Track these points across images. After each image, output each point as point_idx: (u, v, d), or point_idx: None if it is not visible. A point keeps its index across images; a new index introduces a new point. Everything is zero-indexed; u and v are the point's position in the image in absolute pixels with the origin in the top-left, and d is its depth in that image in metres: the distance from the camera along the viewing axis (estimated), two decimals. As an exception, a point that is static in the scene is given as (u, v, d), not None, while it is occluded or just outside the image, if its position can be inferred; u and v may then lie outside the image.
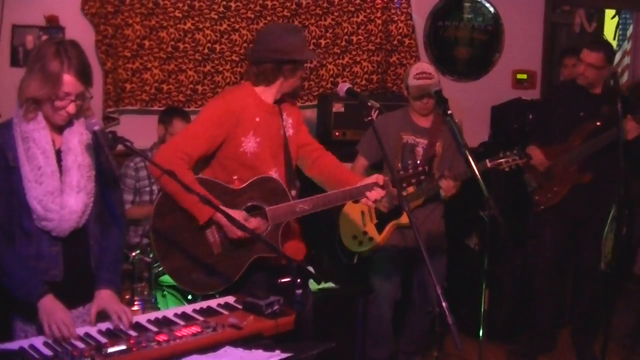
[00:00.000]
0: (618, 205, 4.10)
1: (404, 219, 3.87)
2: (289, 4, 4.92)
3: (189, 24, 4.69)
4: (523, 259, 4.79)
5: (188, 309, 2.63)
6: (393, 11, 5.20)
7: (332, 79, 5.08)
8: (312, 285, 3.62)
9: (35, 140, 2.42)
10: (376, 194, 2.99)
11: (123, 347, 2.22)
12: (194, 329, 2.37)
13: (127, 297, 3.51)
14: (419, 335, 4.24)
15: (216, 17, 4.76)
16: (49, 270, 2.48)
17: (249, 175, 2.99)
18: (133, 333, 2.39)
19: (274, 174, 3.05)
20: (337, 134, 4.62)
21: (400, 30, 5.23)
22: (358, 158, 4.03)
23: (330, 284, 3.91)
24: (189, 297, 3.69)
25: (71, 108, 2.42)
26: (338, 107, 4.65)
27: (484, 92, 5.57)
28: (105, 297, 2.51)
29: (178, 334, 2.32)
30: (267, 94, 3.07)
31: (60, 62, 2.36)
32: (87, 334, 2.37)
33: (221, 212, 2.58)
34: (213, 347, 2.27)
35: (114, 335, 2.37)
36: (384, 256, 4.02)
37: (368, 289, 4.04)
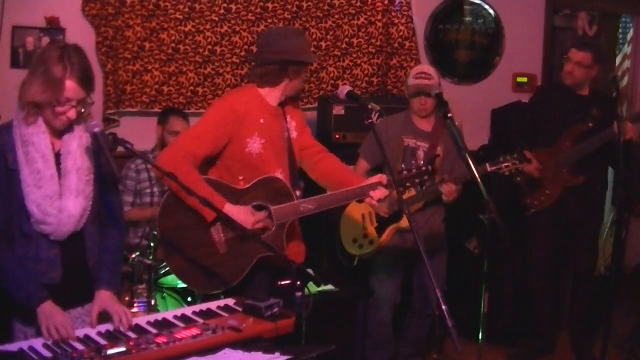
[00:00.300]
0: (618, 208, 4.09)
1: (404, 222, 3.87)
2: (290, 7, 4.91)
3: (189, 26, 4.69)
4: (523, 262, 4.78)
5: (188, 311, 2.63)
6: (393, 14, 5.20)
7: (332, 82, 5.08)
8: (312, 287, 3.61)
9: (35, 144, 2.42)
10: (380, 193, 3.00)
11: (123, 348, 2.22)
12: (194, 331, 2.37)
13: (126, 298, 3.51)
14: (419, 338, 4.24)
15: (217, 19, 4.75)
16: (47, 272, 2.48)
17: (254, 176, 3.01)
18: (133, 335, 2.39)
19: (279, 175, 3.06)
20: (337, 136, 4.61)
21: (401, 33, 5.23)
22: (359, 161, 4.04)
23: (330, 287, 3.90)
24: (189, 299, 3.69)
25: (72, 113, 2.42)
26: (338, 110, 4.64)
27: (484, 95, 5.56)
28: (105, 298, 2.52)
29: (178, 336, 2.33)
30: (272, 96, 3.08)
31: (64, 67, 2.35)
32: (86, 336, 2.37)
33: (224, 215, 2.59)
34: (212, 349, 2.26)
35: (113, 337, 2.37)
36: (384, 259, 4.03)
37: (368, 291, 4.04)
